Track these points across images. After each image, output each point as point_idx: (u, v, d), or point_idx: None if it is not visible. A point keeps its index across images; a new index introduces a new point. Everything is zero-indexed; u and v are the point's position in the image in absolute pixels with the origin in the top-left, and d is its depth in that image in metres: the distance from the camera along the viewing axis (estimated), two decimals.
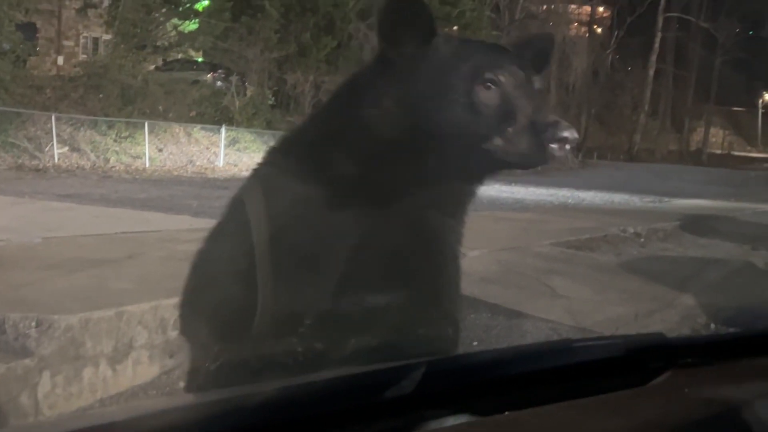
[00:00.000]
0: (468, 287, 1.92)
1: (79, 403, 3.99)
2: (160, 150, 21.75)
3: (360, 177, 1.70)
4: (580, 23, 50.10)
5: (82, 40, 29.90)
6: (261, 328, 1.66)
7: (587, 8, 49.39)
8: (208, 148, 23.08)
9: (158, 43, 25.77)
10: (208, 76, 26.78)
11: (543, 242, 9.17)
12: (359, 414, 1.12)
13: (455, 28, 32.17)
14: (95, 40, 29.55)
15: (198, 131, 23.35)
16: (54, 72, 26.04)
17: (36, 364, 3.78)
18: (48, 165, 18.47)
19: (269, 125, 25.27)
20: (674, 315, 6.38)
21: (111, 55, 23.74)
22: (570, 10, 46.70)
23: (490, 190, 18.64)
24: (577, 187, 22.67)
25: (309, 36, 27.49)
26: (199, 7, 27.16)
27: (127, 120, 21.25)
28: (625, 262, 8.97)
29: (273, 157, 1.89)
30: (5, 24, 19.79)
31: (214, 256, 1.88)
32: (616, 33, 48.09)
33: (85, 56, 28.04)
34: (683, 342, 1.67)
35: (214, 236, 1.90)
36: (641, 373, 1.31)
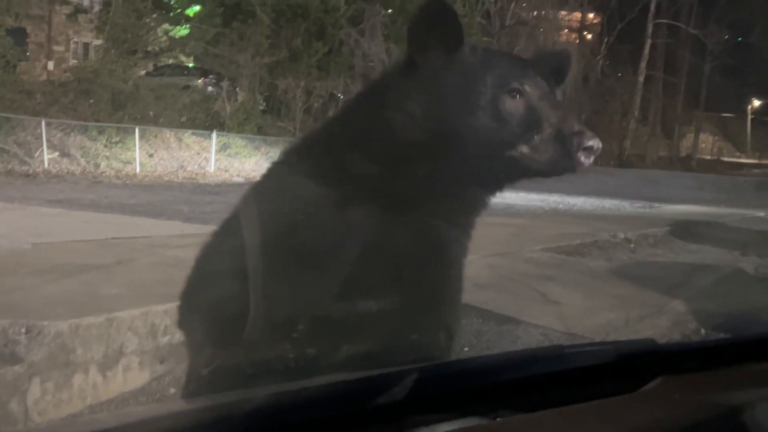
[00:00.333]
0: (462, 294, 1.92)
1: (69, 410, 3.97)
2: (151, 155, 21.70)
3: (379, 180, 1.70)
4: (571, 29, 50.24)
5: (72, 45, 29.84)
6: (253, 332, 1.66)
7: (577, 14, 49.55)
8: (198, 154, 23.03)
9: (149, 49, 25.74)
10: (199, 81, 26.76)
11: (534, 248, 9.19)
12: (351, 420, 1.12)
13: None
14: (86, 45, 29.49)
15: (189, 136, 23.30)
16: (44, 77, 25.97)
17: (26, 370, 3.76)
18: (38, 170, 18.40)
19: (260, 130, 25.26)
20: (665, 321, 6.40)
21: (102, 60, 23.70)
22: (560, 16, 46.83)
23: None
24: (568, 193, 22.69)
25: (300, 41, 27.49)
26: (190, 12, 27.14)
27: (117, 125, 21.19)
28: (616, 267, 8.99)
29: (290, 157, 1.89)
30: None
31: (214, 255, 1.88)
32: (606, 39, 48.28)
33: (75, 61, 28.00)
34: (674, 348, 1.68)
35: (219, 234, 1.89)
36: (632, 379, 1.32)
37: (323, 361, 1.63)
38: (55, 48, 29.09)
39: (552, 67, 1.84)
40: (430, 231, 1.76)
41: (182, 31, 27.13)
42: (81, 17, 27.77)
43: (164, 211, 11.75)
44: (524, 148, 1.64)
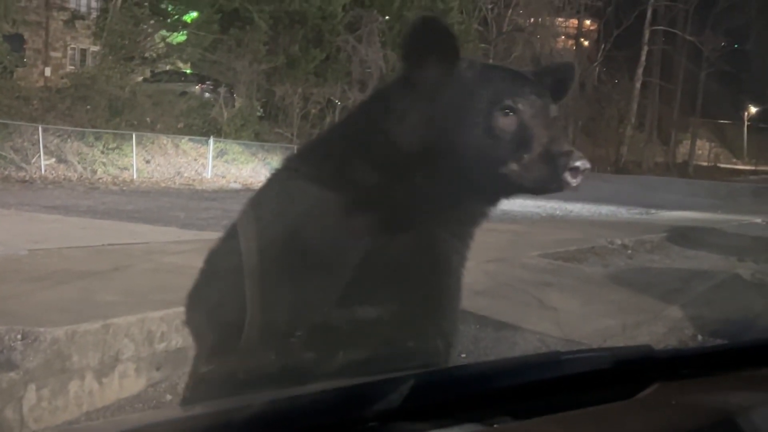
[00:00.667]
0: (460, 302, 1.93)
1: (65, 417, 3.96)
2: (148, 161, 21.69)
3: (376, 192, 1.72)
4: (567, 36, 50.42)
5: (69, 52, 29.82)
6: (252, 339, 1.66)
7: (574, 21, 49.71)
8: (196, 160, 23.03)
9: (146, 55, 25.76)
10: (197, 87, 26.75)
11: (531, 254, 9.19)
12: (349, 427, 1.12)
13: None
14: (83, 52, 29.48)
15: (186, 143, 23.30)
16: (41, 83, 25.94)
17: (21, 377, 3.75)
18: (35, 176, 18.39)
19: (257, 137, 25.27)
20: (661, 327, 6.40)
21: (99, 66, 23.71)
22: (557, 23, 46.98)
23: None
24: (565, 199, 22.70)
25: (297, 48, 27.54)
26: (187, 18, 27.17)
27: (114, 131, 21.18)
28: (613, 273, 9.00)
29: (292, 164, 1.91)
30: None
31: (220, 262, 1.88)
32: (602, 46, 48.40)
33: (72, 67, 27.97)
34: (671, 354, 1.68)
35: (225, 240, 1.90)
36: (629, 385, 1.32)
37: (321, 368, 1.64)
38: (52, 54, 29.06)
39: (555, 80, 1.86)
40: (429, 241, 1.78)
41: (179, 37, 27.16)
42: (78, 23, 27.81)
43: (161, 217, 11.74)
44: (514, 166, 1.65)
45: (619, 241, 11.21)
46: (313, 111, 26.43)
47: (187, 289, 1.89)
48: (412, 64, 1.73)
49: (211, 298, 1.84)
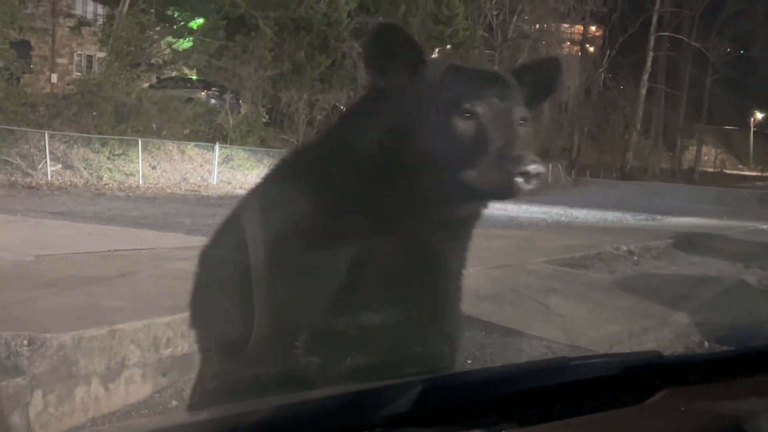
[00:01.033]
0: (462, 305, 1.92)
1: (72, 423, 3.96)
2: (154, 167, 21.74)
3: (353, 197, 1.72)
4: (573, 42, 50.44)
5: (76, 58, 29.96)
6: (257, 344, 1.66)
7: (579, 27, 49.75)
8: (201, 166, 23.08)
9: (152, 61, 25.83)
10: (202, 93, 26.82)
11: (537, 260, 9.17)
12: None
13: (448, 47, 32.40)
14: (89, 58, 29.61)
15: (191, 149, 23.35)
16: (48, 90, 26.03)
17: (28, 383, 3.75)
18: (41, 182, 18.44)
19: (263, 143, 25.31)
20: (668, 333, 6.38)
21: (105, 72, 23.77)
22: (562, 29, 47.01)
23: None
24: (571, 205, 22.73)
25: (303, 54, 27.58)
26: (193, 25, 27.25)
27: (120, 137, 21.25)
28: (619, 280, 8.98)
29: (273, 175, 1.92)
30: None
31: (210, 267, 1.89)
32: (608, 52, 48.41)
33: (79, 74, 28.08)
34: (679, 360, 1.67)
35: (214, 245, 1.91)
36: (637, 391, 1.31)
37: (327, 374, 1.64)
38: (59, 61, 29.19)
39: (538, 76, 1.83)
40: (423, 244, 1.77)
41: (185, 44, 27.24)
42: (84, 30, 27.92)
43: (167, 223, 11.77)
44: (470, 172, 1.62)
45: (625, 248, 11.19)
46: (319, 117, 26.44)
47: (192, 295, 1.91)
48: (375, 72, 1.74)
49: (213, 304, 1.84)
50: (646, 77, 48.37)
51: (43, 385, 3.82)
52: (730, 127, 59.99)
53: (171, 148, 22.84)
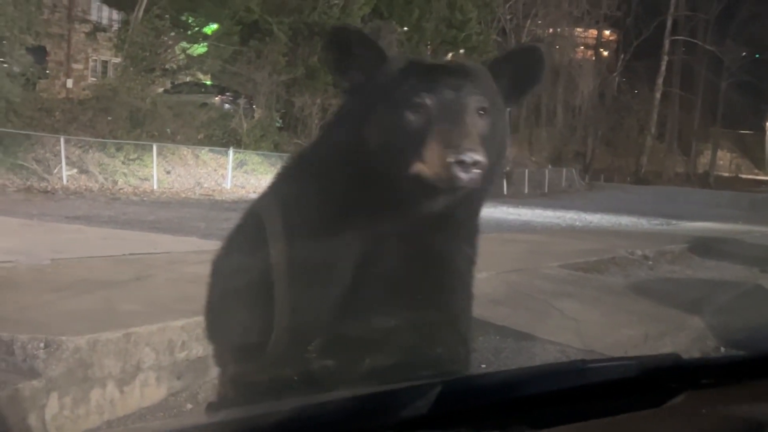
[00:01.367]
0: (476, 309, 1.92)
1: (87, 425, 3.98)
2: (168, 172, 21.82)
3: (339, 201, 1.73)
4: (587, 46, 50.29)
5: (91, 63, 30.15)
6: (276, 347, 1.66)
7: (593, 32, 49.60)
8: (215, 170, 23.14)
9: (167, 66, 25.93)
10: (217, 98, 26.91)
11: (551, 264, 9.14)
12: None
13: (462, 51, 32.37)
14: (104, 63, 29.80)
15: (206, 153, 23.43)
16: (63, 95, 26.20)
17: (44, 385, 3.77)
18: (57, 187, 18.54)
19: (277, 147, 25.36)
20: (684, 337, 6.34)
21: (120, 78, 23.89)
22: (576, 33, 46.91)
23: (497, 212, 18.64)
24: (585, 209, 22.65)
25: (317, 59, 27.62)
26: (207, 30, 27.35)
27: (135, 142, 21.33)
28: (634, 284, 8.93)
29: (273, 183, 1.95)
30: (16, 47, 19.94)
31: (224, 278, 1.90)
32: (622, 56, 48.31)
33: (94, 79, 28.28)
34: (698, 363, 1.66)
35: (228, 248, 1.92)
36: (657, 394, 1.30)
37: (343, 376, 1.64)
38: (74, 66, 29.39)
39: (521, 66, 1.81)
40: (426, 244, 1.76)
41: (200, 49, 27.35)
42: (100, 35, 28.09)
43: (181, 227, 11.80)
44: (418, 163, 1.62)
45: (639, 252, 11.13)
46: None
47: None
48: (337, 74, 1.79)
49: (225, 310, 1.85)
50: (660, 81, 48.20)
51: (59, 388, 3.84)
52: (746, 131, 59.60)
53: (185, 152, 22.93)
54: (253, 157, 24.21)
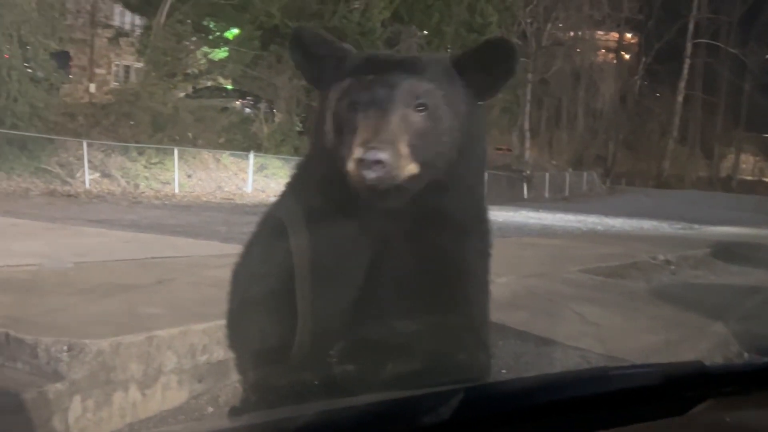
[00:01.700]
0: (496, 314, 1.90)
1: (109, 428, 4.00)
2: (190, 176, 21.96)
3: (333, 204, 1.73)
4: (608, 50, 50.06)
5: (114, 68, 30.43)
6: (298, 351, 1.67)
7: (615, 35, 49.36)
8: (236, 174, 23.26)
9: (188, 71, 26.10)
10: (237, 103, 27.05)
11: (572, 269, 9.09)
12: None
13: None
14: (127, 68, 30.06)
15: (227, 157, 23.55)
16: (86, 99, 26.41)
17: (67, 388, 3.80)
18: (79, 191, 18.71)
19: (297, 151, 25.41)
20: (707, 343, 6.27)
21: (142, 82, 24.10)
22: (597, 36, 46.69)
23: (517, 216, 18.58)
24: (606, 214, 22.51)
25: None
26: (228, 35, 27.51)
27: (157, 146, 21.49)
28: (656, 289, 8.86)
29: (284, 191, 1.99)
30: (39, 53, 20.15)
31: (243, 285, 1.91)
32: (644, 59, 47.98)
33: (116, 84, 28.52)
34: (722, 370, 1.65)
35: (248, 253, 1.93)
36: (680, 401, 1.29)
37: (365, 381, 1.63)
38: (97, 71, 29.65)
39: (490, 60, 1.75)
40: (428, 249, 1.75)
41: (221, 53, 27.51)
42: (122, 41, 28.32)
43: (203, 231, 11.86)
44: (343, 162, 1.61)
45: (662, 257, 11.04)
46: None
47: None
48: (304, 74, 1.83)
49: (245, 316, 1.86)
50: (682, 84, 47.86)
51: (82, 391, 3.86)
52: None
53: (206, 156, 23.06)
54: (273, 161, 24.29)
